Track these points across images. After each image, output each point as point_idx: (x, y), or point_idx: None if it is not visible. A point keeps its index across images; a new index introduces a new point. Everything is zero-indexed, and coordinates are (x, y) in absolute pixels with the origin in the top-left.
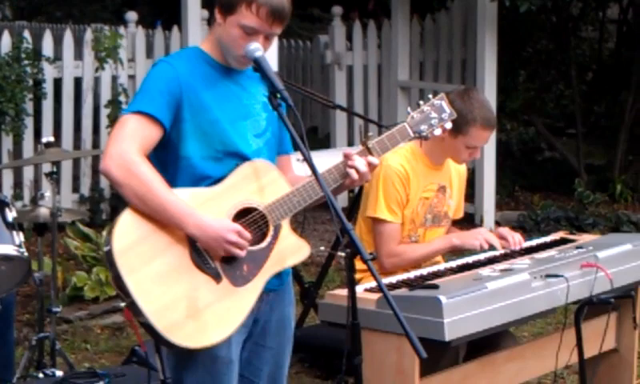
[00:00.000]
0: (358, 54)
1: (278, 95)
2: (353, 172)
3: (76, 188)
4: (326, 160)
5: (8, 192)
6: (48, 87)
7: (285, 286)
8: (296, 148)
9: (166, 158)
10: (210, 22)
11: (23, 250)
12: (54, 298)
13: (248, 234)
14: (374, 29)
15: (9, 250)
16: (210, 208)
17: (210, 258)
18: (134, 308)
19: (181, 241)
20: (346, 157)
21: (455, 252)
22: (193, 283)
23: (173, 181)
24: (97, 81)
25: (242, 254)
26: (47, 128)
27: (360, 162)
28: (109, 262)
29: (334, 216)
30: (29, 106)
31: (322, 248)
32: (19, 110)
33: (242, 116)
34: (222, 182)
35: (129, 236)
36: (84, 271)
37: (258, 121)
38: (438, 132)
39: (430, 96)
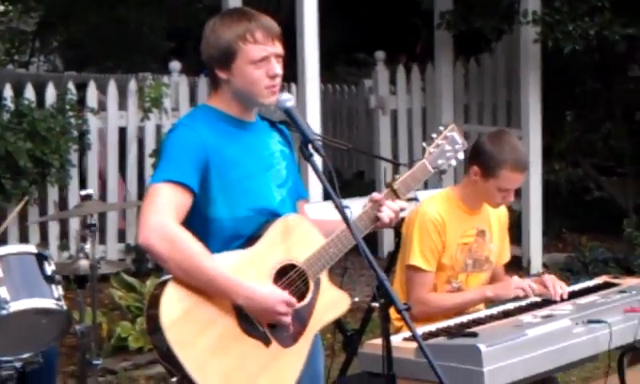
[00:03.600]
0: (401, 98)
1: (311, 145)
2: (385, 217)
3: (122, 238)
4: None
5: (54, 243)
6: (93, 138)
7: (314, 340)
8: (330, 198)
9: (194, 221)
10: (214, 83)
11: (62, 303)
12: (95, 350)
13: (296, 303)
14: (418, 72)
15: (48, 303)
16: (250, 271)
17: (257, 322)
18: (187, 382)
19: (227, 308)
20: (374, 201)
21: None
22: (244, 350)
23: (203, 244)
24: (141, 130)
25: (289, 322)
26: (92, 179)
27: (392, 208)
28: (157, 336)
29: (368, 266)
30: (74, 157)
31: (357, 299)
32: (64, 161)
33: (264, 168)
34: (257, 243)
35: (177, 308)
36: (128, 321)
37: (279, 171)
38: (453, 163)
39: (442, 127)
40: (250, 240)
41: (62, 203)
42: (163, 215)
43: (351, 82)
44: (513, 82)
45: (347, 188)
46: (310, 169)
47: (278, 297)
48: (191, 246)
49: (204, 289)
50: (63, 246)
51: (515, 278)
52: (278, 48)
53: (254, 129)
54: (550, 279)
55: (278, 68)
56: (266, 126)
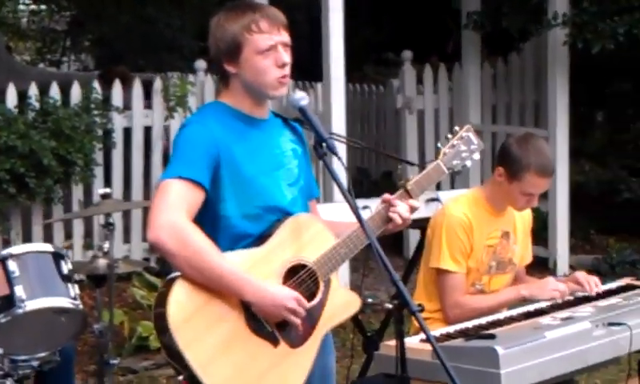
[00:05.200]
0: (428, 98)
1: (324, 144)
2: (397, 217)
3: (146, 237)
4: None
5: (79, 242)
6: (117, 136)
7: (325, 337)
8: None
9: (204, 218)
10: (224, 78)
11: (78, 302)
12: (112, 349)
13: (306, 302)
14: (445, 72)
15: (64, 302)
16: (260, 269)
17: (265, 321)
18: (193, 381)
19: (235, 307)
20: (386, 202)
21: None
22: (251, 350)
23: (212, 241)
24: (166, 129)
25: (299, 321)
26: (117, 177)
27: (403, 208)
28: (164, 335)
29: (381, 266)
30: (98, 156)
31: (370, 300)
32: (89, 160)
33: (275, 166)
34: (268, 241)
35: (184, 309)
36: (150, 321)
37: (291, 169)
38: (468, 164)
39: (457, 128)
40: (260, 238)
41: (86, 202)
42: (174, 212)
43: (380, 81)
44: (541, 82)
45: (375, 188)
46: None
47: (287, 294)
48: (201, 243)
49: (212, 286)
50: (87, 244)
51: (551, 279)
52: (285, 36)
53: (266, 126)
54: (583, 276)
55: (285, 56)
56: (279, 123)
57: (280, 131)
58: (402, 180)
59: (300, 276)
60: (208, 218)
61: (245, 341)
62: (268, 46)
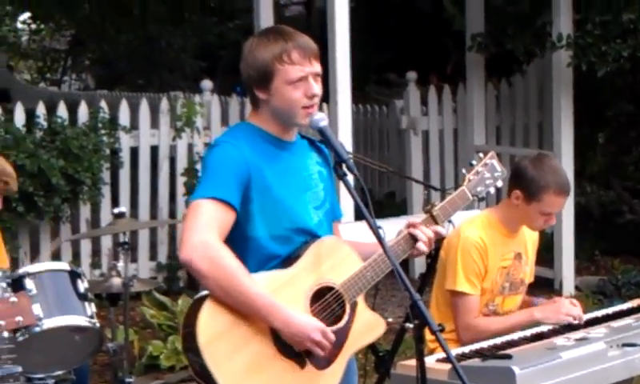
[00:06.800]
0: (433, 119)
1: (344, 165)
2: (422, 245)
3: (153, 256)
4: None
5: (86, 260)
6: (125, 156)
7: (349, 362)
8: (362, 218)
9: (232, 239)
10: (254, 101)
11: (95, 320)
12: (127, 368)
13: (332, 336)
14: (449, 93)
15: (81, 321)
16: (287, 292)
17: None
18: None
19: (263, 328)
20: (411, 226)
21: None
22: (279, 371)
23: (241, 261)
24: (173, 149)
25: (322, 353)
26: (124, 197)
27: (428, 233)
28: (193, 354)
29: (402, 288)
30: (106, 175)
31: (390, 319)
32: (96, 179)
33: (303, 189)
34: (295, 264)
35: (213, 327)
36: (160, 340)
37: (317, 192)
38: (492, 191)
39: (481, 155)
40: (287, 260)
41: (94, 221)
42: (206, 233)
43: (382, 102)
44: (545, 103)
45: (379, 208)
46: (342, 187)
47: (314, 325)
48: (231, 266)
49: (241, 308)
50: (95, 263)
51: (564, 300)
52: (316, 67)
53: (294, 149)
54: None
55: (316, 88)
56: (306, 145)
57: (307, 154)
58: (427, 205)
59: (326, 299)
60: (236, 239)
61: (272, 362)
62: (299, 77)
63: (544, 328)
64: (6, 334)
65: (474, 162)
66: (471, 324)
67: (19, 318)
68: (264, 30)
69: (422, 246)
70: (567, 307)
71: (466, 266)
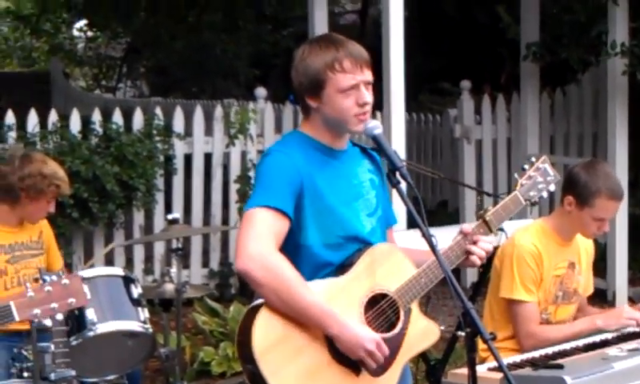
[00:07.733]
0: (487, 128)
1: (398, 173)
2: (476, 259)
3: (206, 263)
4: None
5: (139, 266)
6: (178, 163)
7: (404, 369)
8: (414, 226)
9: (285, 247)
10: (305, 109)
11: (148, 326)
12: (179, 374)
13: (386, 348)
14: (503, 102)
15: (134, 326)
16: (341, 299)
17: None
18: None
19: (318, 336)
20: (465, 233)
21: None
22: (334, 379)
23: (296, 269)
24: (226, 156)
25: (374, 365)
26: (177, 203)
27: (486, 245)
28: (249, 362)
29: (455, 296)
30: (160, 182)
31: (442, 327)
32: (150, 185)
33: (354, 197)
34: (349, 271)
35: (269, 336)
36: (211, 346)
37: (369, 199)
38: (545, 195)
39: (534, 159)
40: (341, 268)
41: (147, 227)
42: (262, 242)
43: (435, 110)
44: (599, 112)
45: (431, 217)
46: (395, 195)
47: (368, 336)
48: (288, 275)
49: (298, 316)
50: (148, 269)
51: (626, 306)
52: (367, 75)
53: (345, 157)
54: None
55: (367, 96)
56: (357, 152)
57: (358, 162)
58: (480, 210)
59: (381, 306)
60: (289, 247)
61: (327, 369)
62: (350, 85)
63: (596, 338)
64: (60, 317)
65: (526, 167)
66: (534, 331)
67: (72, 300)
68: (315, 38)
69: (476, 261)
70: (629, 312)
71: (521, 274)
